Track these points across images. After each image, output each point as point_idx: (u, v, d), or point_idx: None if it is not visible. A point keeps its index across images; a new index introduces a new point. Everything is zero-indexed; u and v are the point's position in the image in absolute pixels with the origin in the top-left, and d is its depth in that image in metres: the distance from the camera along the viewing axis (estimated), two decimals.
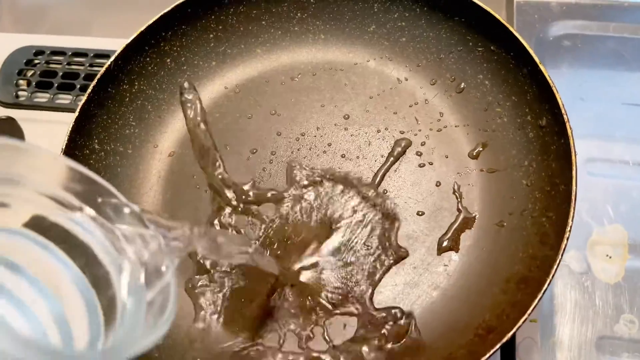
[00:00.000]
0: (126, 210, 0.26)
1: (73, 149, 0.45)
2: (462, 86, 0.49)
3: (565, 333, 0.46)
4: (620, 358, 0.45)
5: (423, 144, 0.48)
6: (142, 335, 0.23)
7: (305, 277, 0.43)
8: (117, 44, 0.48)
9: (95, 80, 0.46)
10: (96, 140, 0.47)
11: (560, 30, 0.60)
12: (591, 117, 0.55)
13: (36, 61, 0.64)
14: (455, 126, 0.48)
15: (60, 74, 0.62)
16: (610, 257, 0.49)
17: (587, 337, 0.46)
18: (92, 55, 0.63)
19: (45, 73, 0.63)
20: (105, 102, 0.47)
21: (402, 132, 0.48)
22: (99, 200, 0.26)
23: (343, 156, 0.48)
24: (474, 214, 0.45)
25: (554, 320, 0.47)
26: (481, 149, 0.47)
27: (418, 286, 0.43)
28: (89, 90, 0.45)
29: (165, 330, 0.23)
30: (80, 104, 0.45)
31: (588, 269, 0.49)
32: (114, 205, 0.26)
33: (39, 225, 0.26)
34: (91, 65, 0.63)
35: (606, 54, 0.59)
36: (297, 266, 0.44)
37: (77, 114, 0.45)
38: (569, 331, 0.46)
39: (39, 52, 0.64)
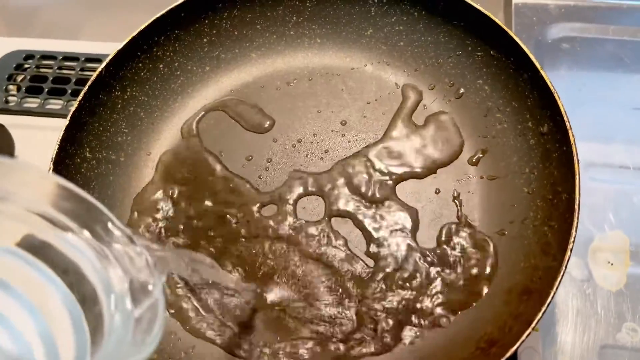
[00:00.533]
0: (114, 228, 0.25)
1: (64, 157, 0.44)
2: (461, 91, 0.48)
3: (567, 342, 0.46)
4: None
5: None
6: (129, 353, 0.23)
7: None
8: (108, 48, 0.47)
9: (86, 87, 0.45)
10: (87, 149, 0.46)
11: (559, 33, 0.59)
12: (591, 122, 0.54)
13: (26, 65, 0.62)
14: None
15: (51, 78, 0.61)
16: (611, 264, 0.48)
17: (590, 346, 0.46)
18: (83, 59, 0.62)
19: (35, 78, 0.61)
20: (97, 109, 0.46)
21: None
22: (88, 218, 0.25)
23: None
24: (473, 223, 0.44)
25: (555, 329, 0.46)
26: (481, 155, 0.46)
27: None
28: (80, 97, 0.44)
29: (154, 347, 0.23)
30: (71, 111, 0.44)
31: (589, 276, 0.48)
32: (103, 223, 0.25)
33: (27, 242, 0.25)
34: (82, 69, 0.61)
35: (605, 57, 0.58)
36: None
37: (67, 121, 0.43)
38: (570, 340, 0.46)
39: (29, 56, 0.63)
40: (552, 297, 0.34)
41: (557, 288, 0.34)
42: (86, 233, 0.25)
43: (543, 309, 0.34)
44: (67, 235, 0.25)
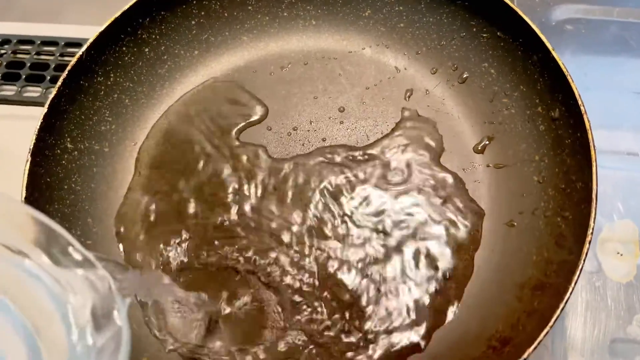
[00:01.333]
0: (74, 252, 0.23)
1: (43, 148, 0.41)
2: (465, 75, 0.45)
3: (577, 336, 0.44)
4: None
5: None
6: None
7: None
8: (90, 32, 0.43)
9: (66, 73, 0.42)
10: (68, 139, 0.43)
11: (563, 15, 0.57)
12: (597, 107, 0.51)
13: (2, 51, 0.59)
14: (458, 118, 0.45)
15: (29, 64, 0.57)
16: (621, 255, 0.46)
17: (600, 340, 0.44)
18: (63, 44, 0.58)
19: (12, 64, 0.58)
20: (78, 97, 0.43)
21: None
22: (47, 242, 0.23)
23: None
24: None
25: (564, 323, 0.44)
26: (487, 142, 0.43)
27: None
28: (59, 83, 0.41)
29: None
30: (49, 98, 0.41)
31: (599, 267, 0.46)
32: (62, 246, 0.23)
33: None
34: (62, 55, 0.58)
35: (611, 40, 0.56)
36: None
37: (45, 110, 0.40)
38: (580, 334, 0.44)
39: (5, 41, 0.59)
40: (570, 293, 0.32)
41: (575, 283, 0.32)
42: (44, 258, 0.23)
43: (561, 305, 0.32)
44: (25, 262, 0.23)
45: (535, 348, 0.31)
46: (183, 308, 0.37)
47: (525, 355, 0.31)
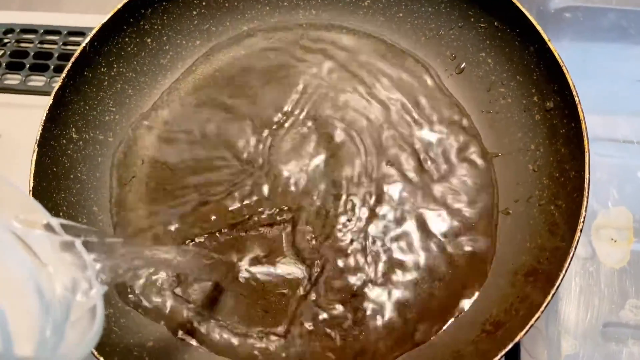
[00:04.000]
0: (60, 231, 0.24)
1: (49, 139, 0.42)
2: (462, 65, 0.46)
3: (571, 320, 0.45)
4: (626, 345, 0.44)
5: None
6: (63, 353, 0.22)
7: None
8: (92, 21, 0.44)
9: (70, 64, 0.42)
10: (73, 129, 0.43)
11: (562, 2, 0.57)
12: (594, 94, 0.52)
13: (5, 40, 0.59)
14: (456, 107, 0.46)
15: (32, 53, 0.58)
16: (615, 241, 0.47)
17: (593, 324, 0.45)
18: (65, 33, 0.59)
19: (15, 53, 0.58)
20: (82, 87, 0.44)
21: None
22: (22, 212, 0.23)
23: None
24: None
25: (558, 307, 0.45)
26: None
27: None
28: (63, 75, 0.42)
29: (88, 349, 0.22)
30: (54, 90, 0.41)
31: (593, 253, 0.47)
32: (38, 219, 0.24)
33: None
34: (65, 44, 0.58)
35: (609, 28, 0.56)
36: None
37: (51, 101, 0.41)
38: (574, 318, 0.45)
39: (9, 30, 0.60)
40: (562, 279, 0.33)
41: (566, 270, 0.33)
42: (16, 224, 0.24)
43: (552, 291, 0.33)
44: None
45: (527, 332, 0.33)
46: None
47: (517, 339, 0.33)
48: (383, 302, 0.39)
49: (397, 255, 0.41)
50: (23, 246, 0.23)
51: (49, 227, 0.24)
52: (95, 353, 0.34)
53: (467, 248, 0.40)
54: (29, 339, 0.21)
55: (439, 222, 0.42)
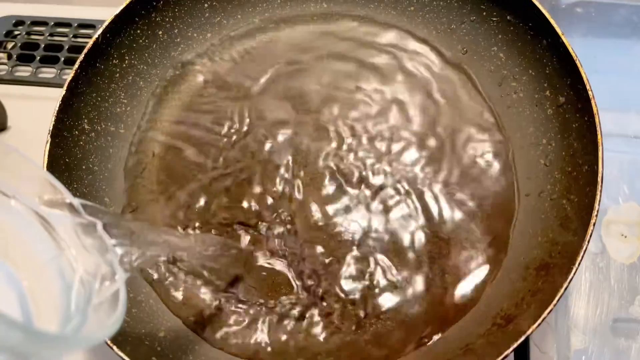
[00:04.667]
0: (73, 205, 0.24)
1: (61, 129, 0.42)
2: (474, 59, 0.46)
3: (580, 315, 0.45)
4: (636, 341, 0.44)
5: None
6: (85, 335, 0.22)
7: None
8: (102, 13, 0.44)
9: (83, 55, 0.42)
10: (86, 120, 0.44)
11: None
12: (605, 90, 0.52)
13: (16, 32, 0.60)
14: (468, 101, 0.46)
15: (43, 45, 0.58)
16: (625, 237, 0.47)
17: (602, 319, 0.45)
18: (75, 25, 0.59)
19: (26, 45, 0.59)
20: (94, 79, 0.44)
21: None
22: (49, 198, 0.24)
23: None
24: None
25: (568, 302, 0.45)
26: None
27: None
28: (76, 66, 0.42)
29: (110, 333, 0.22)
30: (67, 81, 0.42)
31: (603, 248, 0.47)
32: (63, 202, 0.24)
33: None
34: (75, 36, 0.59)
35: (621, 23, 0.56)
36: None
37: (64, 92, 0.41)
38: (583, 313, 0.45)
39: (19, 22, 0.60)
40: (574, 274, 0.33)
41: (579, 264, 0.33)
42: (40, 205, 0.24)
43: (564, 285, 0.33)
44: (10, 202, 0.23)
45: (538, 326, 0.32)
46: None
47: (528, 333, 0.33)
48: (395, 297, 0.39)
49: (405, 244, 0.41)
50: (46, 227, 0.23)
51: (71, 208, 0.24)
52: (108, 342, 0.34)
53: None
54: (51, 316, 0.22)
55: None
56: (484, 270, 0.39)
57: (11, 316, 0.16)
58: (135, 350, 0.35)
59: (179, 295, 0.40)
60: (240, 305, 0.40)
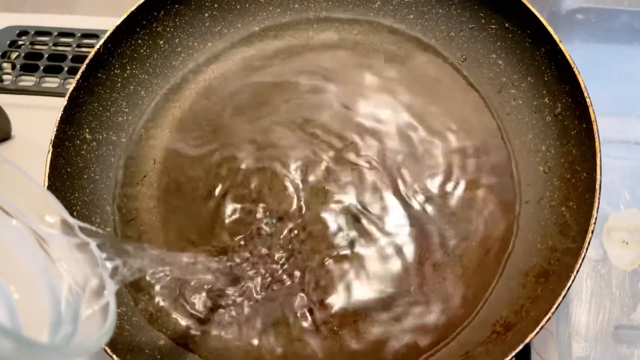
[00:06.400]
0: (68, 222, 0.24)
1: (63, 139, 0.42)
2: (473, 66, 0.46)
3: (582, 322, 0.45)
4: (637, 348, 0.44)
5: None
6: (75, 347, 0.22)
7: None
8: (105, 23, 0.45)
9: (84, 66, 0.43)
10: (87, 130, 0.44)
11: (573, 4, 0.57)
12: (606, 96, 0.52)
13: (20, 42, 0.60)
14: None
15: (46, 55, 0.59)
16: (627, 243, 0.47)
17: (604, 326, 0.45)
18: (79, 35, 0.60)
19: (30, 55, 0.59)
20: (96, 89, 0.44)
21: None
22: (42, 210, 0.24)
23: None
24: None
25: (569, 310, 0.45)
26: None
27: None
28: (78, 76, 0.42)
29: (100, 345, 0.22)
30: (69, 91, 0.42)
31: (604, 255, 0.47)
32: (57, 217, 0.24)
33: None
34: (79, 46, 0.59)
35: (621, 29, 0.56)
36: None
37: (65, 102, 0.42)
38: (585, 320, 0.45)
39: (23, 32, 0.61)
40: (573, 280, 0.33)
41: (577, 271, 0.33)
42: (33, 221, 0.24)
43: (563, 293, 0.33)
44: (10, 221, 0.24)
45: (537, 334, 0.32)
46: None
47: (527, 340, 0.33)
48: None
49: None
50: (39, 241, 0.24)
51: (65, 225, 0.24)
52: (108, 350, 0.34)
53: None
54: (41, 328, 0.22)
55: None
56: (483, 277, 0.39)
57: (3, 324, 0.16)
58: (135, 358, 0.36)
59: (176, 305, 0.41)
60: (235, 314, 0.40)
